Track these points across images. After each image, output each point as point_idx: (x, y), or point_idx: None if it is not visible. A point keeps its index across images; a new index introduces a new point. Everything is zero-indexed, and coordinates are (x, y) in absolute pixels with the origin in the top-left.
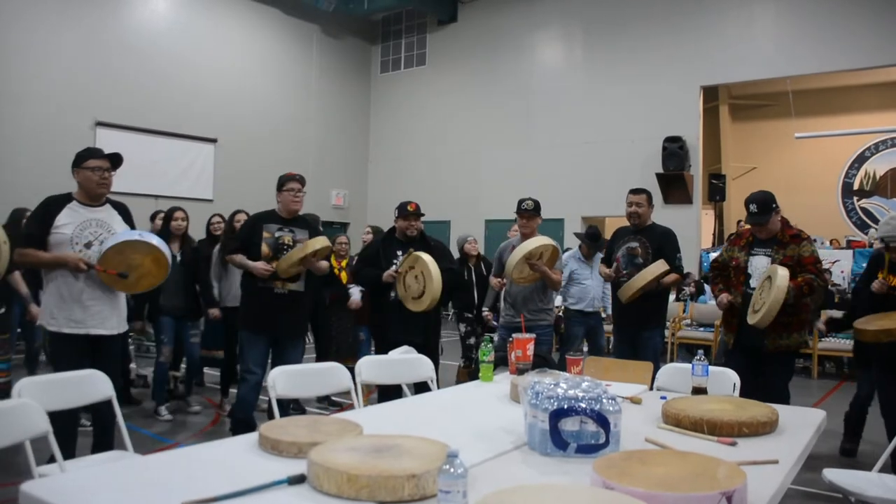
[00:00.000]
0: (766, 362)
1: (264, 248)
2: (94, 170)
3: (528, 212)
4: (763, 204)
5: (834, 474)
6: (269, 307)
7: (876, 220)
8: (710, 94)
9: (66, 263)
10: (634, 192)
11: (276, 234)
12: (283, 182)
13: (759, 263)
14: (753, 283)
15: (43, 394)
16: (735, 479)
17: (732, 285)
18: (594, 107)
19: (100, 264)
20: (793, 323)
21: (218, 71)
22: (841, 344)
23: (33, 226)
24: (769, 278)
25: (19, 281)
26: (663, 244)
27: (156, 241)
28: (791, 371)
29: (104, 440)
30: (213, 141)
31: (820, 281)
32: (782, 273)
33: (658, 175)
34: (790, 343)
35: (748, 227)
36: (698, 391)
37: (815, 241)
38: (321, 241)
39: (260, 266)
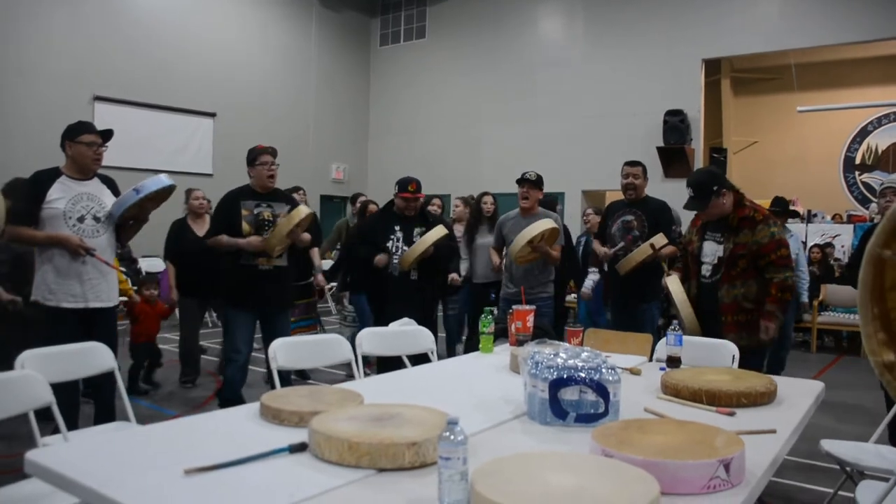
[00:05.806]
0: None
1: (246, 227)
2: (90, 145)
3: (529, 181)
4: (700, 187)
5: (831, 445)
6: (255, 285)
7: None
8: (712, 68)
9: (68, 245)
10: (631, 164)
11: (255, 211)
12: (254, 156)
13: (708, 250)
14: (706, 270)
15: (46, 365)
16: (733, 448)
17: (691, 273)
18: (595, 80)
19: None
20: (749, 321)
21: (216, 44)
22: (839, 318)
23: (25, 202)
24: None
25: (315, 254)
26: (658, 217)
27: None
28: (759, 366)
29: (106, 412)
30: (212, 115)
31: (788, 274)
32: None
33: (659, 149)
34: (749, 344)
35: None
36: (673, 361)
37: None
38: (304, 210)
39: (253, 240)
